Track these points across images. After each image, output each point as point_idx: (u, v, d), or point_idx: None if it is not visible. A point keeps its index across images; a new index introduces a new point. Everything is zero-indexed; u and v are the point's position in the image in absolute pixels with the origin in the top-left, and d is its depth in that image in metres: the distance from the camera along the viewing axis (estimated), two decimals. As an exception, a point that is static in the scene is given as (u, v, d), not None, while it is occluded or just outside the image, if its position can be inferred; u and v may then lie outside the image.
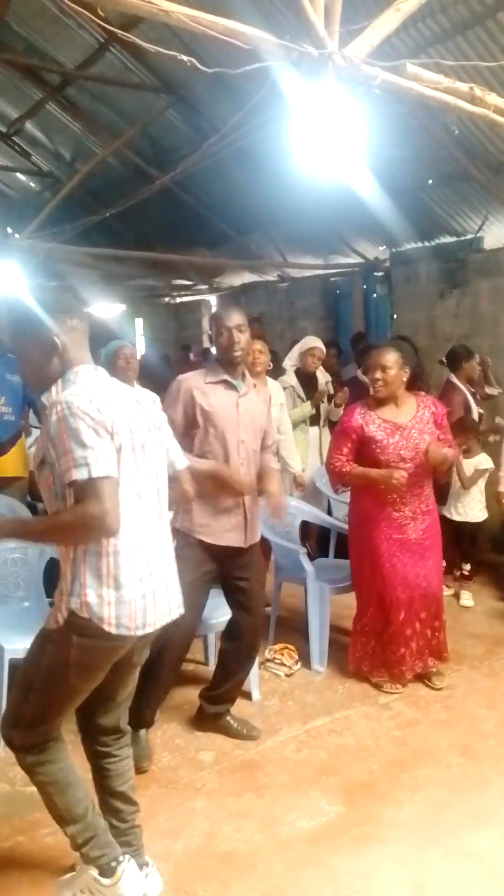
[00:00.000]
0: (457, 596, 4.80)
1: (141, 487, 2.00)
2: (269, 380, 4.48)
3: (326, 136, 2.14)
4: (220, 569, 2.96)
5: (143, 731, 2.94)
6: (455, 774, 2.86)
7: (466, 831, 2.52)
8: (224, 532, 2.90)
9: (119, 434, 1.91)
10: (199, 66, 1.99)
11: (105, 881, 2.05)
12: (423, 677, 3.58)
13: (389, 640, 3.49)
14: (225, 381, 2.91)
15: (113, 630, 1.91)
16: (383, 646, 3.51)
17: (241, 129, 4.87)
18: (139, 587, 1.97)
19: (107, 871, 2.06)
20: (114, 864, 2.06)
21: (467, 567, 4.80)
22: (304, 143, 2.20)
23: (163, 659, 2.87)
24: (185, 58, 2.00)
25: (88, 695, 2.07)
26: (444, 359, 5.33)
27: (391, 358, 3.39)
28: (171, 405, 2.86)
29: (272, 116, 5.02)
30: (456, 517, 4.73)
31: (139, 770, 2.80)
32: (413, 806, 2.66)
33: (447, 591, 4.82)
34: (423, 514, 3.50)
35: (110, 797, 2.22)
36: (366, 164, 3.18)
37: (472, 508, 4.73)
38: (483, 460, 4.73)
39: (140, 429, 2.02)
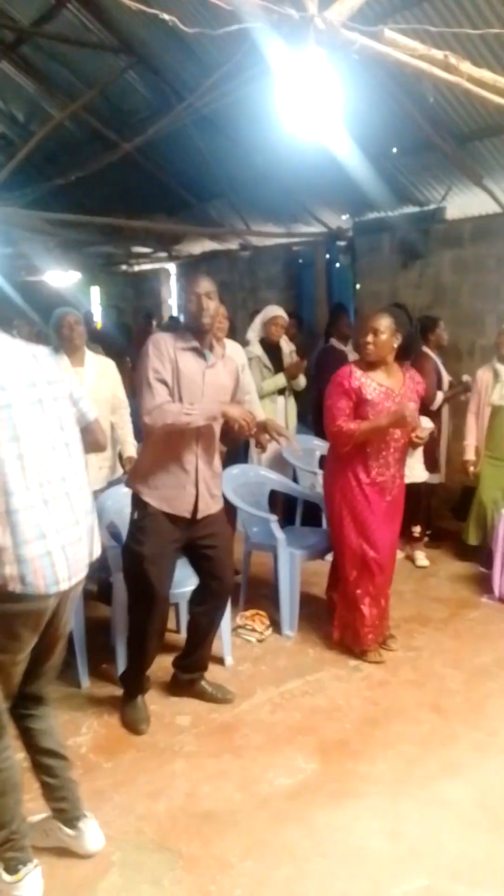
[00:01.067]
0: (411, 558, 4.93)
1: (41, 443, 1.99)
2: (230, 342, 4.46)
3: (306, 100, 2.13)
4: (184, 537, 2.96)
5: (140, 698, 3.04)
6: (425, 730, 2.97)
7: (438, 783, 2.63)
8: (175, 501, 2.89)
9: (6, 390, 1.92)
10: (180, 25, 1.95)
11: (6, 878, 2.06)
12: (381, 642, 3.68)
13: (372, 604, 3.56)
14: (195, 349, 2.89)
15: (19, 589, 1.90)
16: (364, 610, 3.55)
17: (209, 95, 4.78)
18: (42, 544, 1.94)
19: (10, 870, 2.06)
20: (20, 866, 2.06)
21: (417, 529, 4.91)
22: (285, 107, 2.18)
23: (143, 631, 2.93)
24: (167, 16, 1.96)
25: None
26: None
27: (384, 323, 3.40)
28: (157, 357, 2.82)
29: (241, 82, 4.96)
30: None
31: (138, 732, 2.92)
32: (386, 761, 2.76)
33: (399, 555, 4.97)
34: (400, 478, 3.60)
35: (39, 755, 2.23)
36: (344, 130, 3.15)
37: (414, 469, 4.83)
38: (425, 421, 4.83)
39: (36, 383, 2.01)
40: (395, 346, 3.42)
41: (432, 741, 2.89)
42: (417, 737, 2.92)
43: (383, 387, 3.43)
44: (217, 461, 3.04)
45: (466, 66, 2.60)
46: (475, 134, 5.37)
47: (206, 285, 2.86)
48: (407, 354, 3.53)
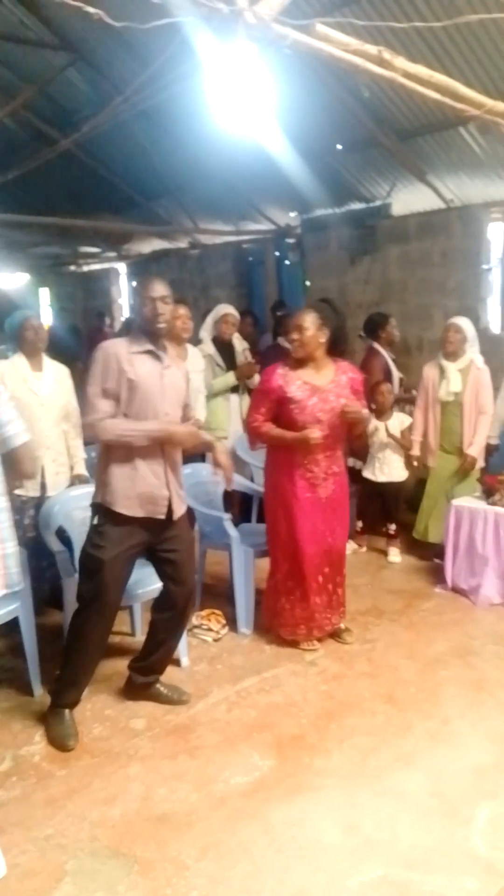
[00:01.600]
0: (385, 553, 4.99)
1: None
2: (190, 346, 4.45)
3: (238, 95, 2.12)
4: (146, 542, 2.93)
5: (66, 712, 2.92)
6: (380, 721, 2.99)
7: (392, 773, 2.65)
8: (146, 504, 2.86)
9: None
10: (106, 19, 1.92)
11: None
12: (335, 635, 3.70)
13: (301, 597, 3.58)
14: (150, 352, 2.86)
15: None
16: (293, 602, 3.60)
17: (146, 90, 4.73)
18: None
19: None
20: None
21: (392, 526, 4.96)
22: (216, 102, 2.16)
23: (85, 636, 2.87)
24: (91, 10, 1.92)
25: None
26: (362, 332, 5.45)
27: (308, 319, 3.43)
28: (101, 373, 2.78)
29: (178, 77, 4.92)
30: (382, 478, 4.88)
31: (65, 749, 2.81)
32: (341, 754, 2.77)
33: (360, 550, 5.02)
34: (334, 475, 3.58)
35: None
36: (277, 127, 3.15)
37: (394, 468, 4.89)
38: (404, 418, 4.90)
39: None
40: (322, 340, 3.44)
41: (387, 732, 2.91)
42: (372, 728, 2.94)
43: (308, 384, 3.45)
44: (179, 462, 3.02)
45: (401, 62, 2.62)
46: (417, 130, 5.45)
47: (160, 289, 2.82)
48: (337, 348, 3.53)
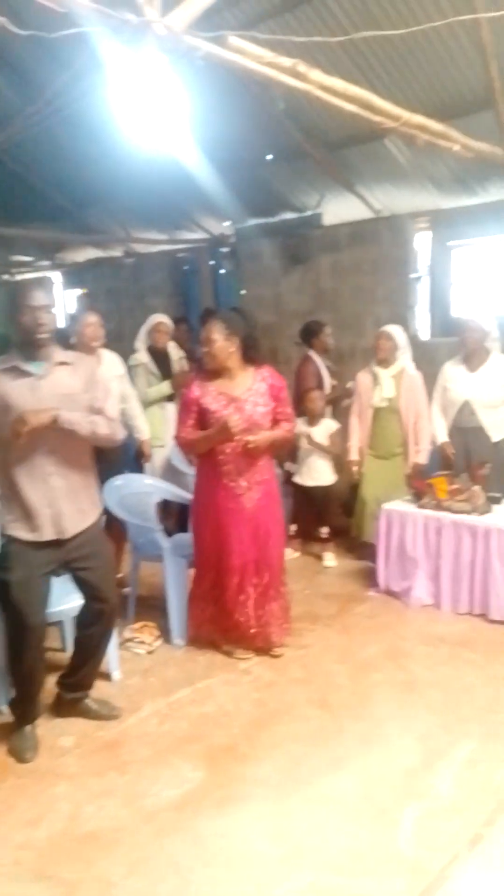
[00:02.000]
0: (320, 558, 5.03)
1: None
2: (107, 352, 4.41)
3: (148, 106, 2.11)
4: (55, 559, 2.84)
5: (29, 726, 2.91)
6: (312, 727, 3.00)
7: (323, 778, 2.66)
8: (35, 526, 2.77)
9: None
10: (10, 27, 1.89)
11: None
12: (269, 645, 3.66)
13: (225, 607, 3.58)
14: (14, 368, 2.74)
15: None
16: (220, 612, 3.60)
17: (68, 95, 4.67)
18: None
19: None
20: None
21: (325, 530, 5.01)
22: (125, 113, 2.16)
23: (20, 658, 2.81)
24: (-3, 17, 1.89)
25: None
26: (298, 340, 5.52)
27: (215, 329, 3.43)
28: None
29: (98, 82, 4.88)
30: (310, 482, 4.93)
31: (23, 760, 2.80)
32: (273, 762, 2.77)
33: (293, 555, 5.05)
34: (258, 484, 3.54)
35: None
36: (193, 137, 3.17)
37: (322, 473, 4.96)
38: (332, 425, 4.97)
39: None
40: (232, 350, 3.45)
41: (318, 737, 2.92)
42: (304, 734, 2.95)
43: (224, 394, 3.46)
44: (85, 473, 2.94)
45: (316, 74, 2.67)
46: (345, 142, 5.54)
47: (41, 298, 2.73)
48: (250, 355, 3.54)
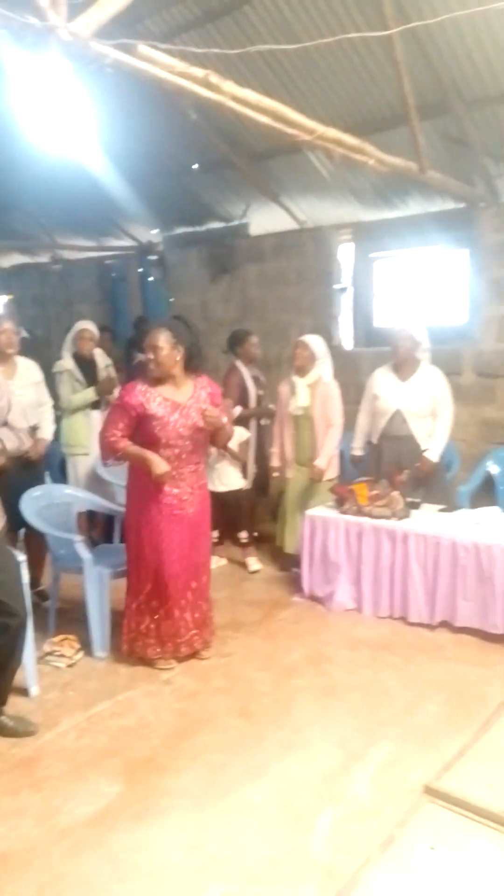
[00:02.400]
0: (243, 564, 5.04)
1: None
2: (22, 359, 4.33)
3: (53, 113, 2.09)
4: None
5: None
6: (232, 736, 3.00)
7: (242, 787, 2.65)
8: None
9: None
10: None
11: None
12: (194, 653, 3.69)
13: (166, 615, 3.56)
14: None
15: None
16: (159, 622, 3.57)
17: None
18: None
19: None
20: None
21: (243, 535, 5.04)
22: (29, 119, 2.12)
23: None
24: None
25: None
26: (226, 349, 5.53)
27: (162, 338, 3.44)
28: None
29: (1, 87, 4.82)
30: (221, 488, 4.95)
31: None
32: (192, 772, 2.75)
33: (220, 562, 5.06)
34: (199, 489, 3.60)
35: None
36: (101, 145, 3.14)
37: (231, 478, 4.99)
38: (242, 432, 5.01)
39: None
40: (178, 358, 3.46)
41: (239, 746, 2.92)
42: (224, 743, 2.94)
43: (169, 400, 3.46)
44: None
45: (229, 86, 2.69)
46: (268, 153, 5.61)
47: None
48: (192, 364, 3.56)
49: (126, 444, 3.48)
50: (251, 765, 2.80)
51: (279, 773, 2.75)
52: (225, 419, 3.68)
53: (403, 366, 4.54)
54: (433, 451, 4.49)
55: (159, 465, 3.40)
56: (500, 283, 5.15)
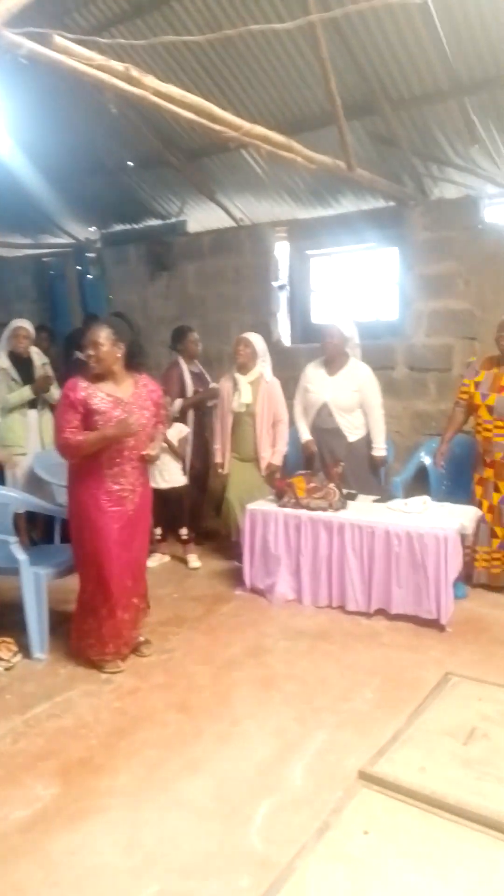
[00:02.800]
0: (184, 560, 5.04)
1: None
2: None
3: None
4: None
5: None
6: (170, 732, 3.00)
7: (179, 783, 2.66)
8: None
9: None
10: None
11: None
12: (134, 650, 3.68)
13: (108, 615, 3.53)
14: None
15: None
16: (101, 621, 3.54)
17: None
18: None
19: None
20: None
21: (184, 532, 5.04)
22: None
23: None
24: None
25: None
26: (169, 345, 5.52)
27: (102, 334, 3.41)
28: None
29: None
30: (163, 484, 4.94)
31: None
32: (129, 771, 2.74)
33: (163, 559, 5.06)
34: (141, 487, 3.58)
35: None
36: (14, 138, 3.09)
37: (173, 475, 4.99)
38: (182, 428, 5.02)
39: None
40: (119, 355, 3.44)
41: (176, 742, 2.92)
42: (162, 740, 2.94)
43: (111, 396, 3.44)
44: None
45: (151, 80, 2.68)
46: (203, 150, 5.61)
47: None
48: (133, 361, 3.55)
49: (84, 436, 3.38)
50: (188, 759, 2.81)
51: (216, 766, 2.76)
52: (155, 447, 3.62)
53: (332, 361, 4.63)
54: (377, 445, 4.62)
55: (122, 423, 3.33)
56: (428, 280, 5.27)
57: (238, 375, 4.80)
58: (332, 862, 2.25)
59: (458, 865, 2.20)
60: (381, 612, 4.06)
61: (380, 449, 4.67)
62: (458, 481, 4.73)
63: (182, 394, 5.11)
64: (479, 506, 4.37)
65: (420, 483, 5.01)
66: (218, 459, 4.96)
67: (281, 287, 6.25)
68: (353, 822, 2.42)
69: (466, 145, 4.73)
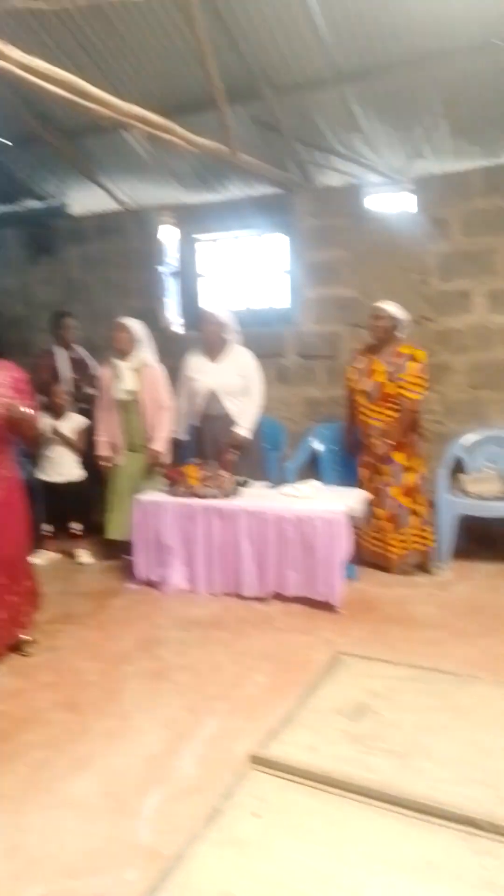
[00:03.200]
0: (72, 555, 4.90)
1: None
2: None
3: None
4: None
5: None
6: (56, 731, 2.90)
7: (65, 782, 2.58)
8: None
9: None
10: None
11: None
12: (16, 649, 3.54)
13: None
14: None
15: None
16: None
17: None
18: None
19: None
20: None
21: (77, 526, 4.90)
22: None
23: None
24: None
25: None
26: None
27: None
28: None
29: None
30: (57, 478, 4.79)
31: None
32: (12, 774, 2.63)
33: (52, 556, 4.90)
34: (5, 480, 3.43)
35: None
36: None
37: (68, 468, 4.85)
38: (81, 420, 4.87)
39: None
40: None
41: (62, 741, 2.82)
42: (48, 740, 2.83)
43: None
44: None
45: (16, 52, 2.55)
46: (82, 130, 5.40)
47: None
48: None
49: None
50: (75, 758, 2.72)
51: (104, 762, 2.70)
52: (30, 411, 3.46)
53: (214, 347, 4.62)
54: (242, 426, 4.60)
55: None
56: (316, 268, 5.34)
57: (118, 362, 4.69)
58: (221, 847, 2.24)
59: (347, 839, 2.25)
60: (277, 597, 4.10)
61: (243, 429, 4.62)
62: (349, 465, 4.84)
63: (55, 381, 4.96)
64: (364, 488, 4.49)
65: (312, 468, 5.09)
66: (103, 452, 4.79)
67: (171, 273, 6.16)
68: (243, 805, 2.42)
69: (348, 134, 4.80)
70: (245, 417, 4.61)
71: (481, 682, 3.14)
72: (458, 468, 4.84)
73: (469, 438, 4.90)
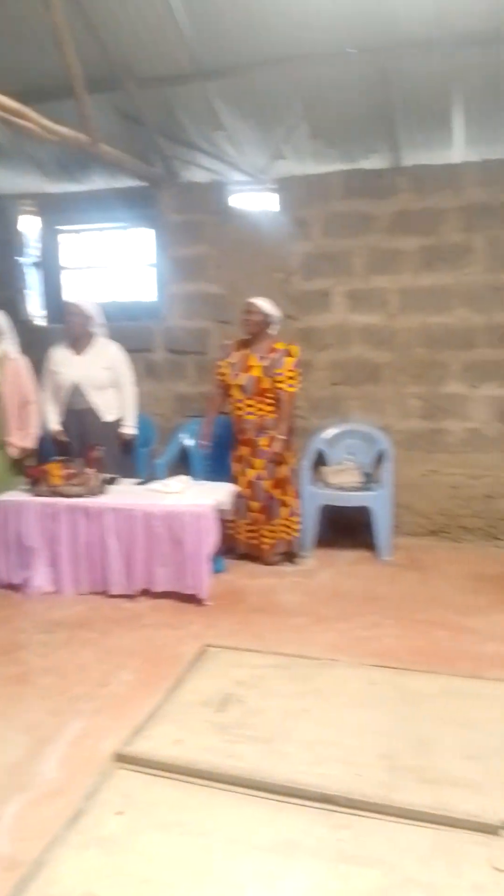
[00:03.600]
0: None
1: None
2: None
3: None
4: None
5: None
6: None
7: None
8: None
9: None
10: None
11: None
12: None
13: None
14: None
15: None
16: None
17: None
18: None
19: None
20: None
21: None
22: None
23: None
24: None
25: None
26: None
27: None
28: None
29: None
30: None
31: None
32: None
33: None
34: None
35: None
36: None
37: None
38: None
39: None
40: None
41: None
42: None
43: None
44: None
45: None
46: None
47: None
48: None
49: None
50: None
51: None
52: None
53: (78, 340, 4.55)
54: (128, 423, 4.60)
55: None
56: (181, 263, 5.34)
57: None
58: (84, 848, 2.21)
59: (215, 827, 2.27)
60: (146, 593, 4.07)
61: (129, 427, 4.64)
62: (219, 460, 4.88)
63: None
64: (237, 482, 4.56)
65: (183, 464, 5.09)
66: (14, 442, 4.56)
67: (33, 264, 5.95)
68: (107, 804, 2.39)
69: (211, 131, 4.83)
70: (128, 413, 4.61)
71: (340, 664, 3.28)
72: (320, 461, 5.02)
73: (330, 432, 5.10)
